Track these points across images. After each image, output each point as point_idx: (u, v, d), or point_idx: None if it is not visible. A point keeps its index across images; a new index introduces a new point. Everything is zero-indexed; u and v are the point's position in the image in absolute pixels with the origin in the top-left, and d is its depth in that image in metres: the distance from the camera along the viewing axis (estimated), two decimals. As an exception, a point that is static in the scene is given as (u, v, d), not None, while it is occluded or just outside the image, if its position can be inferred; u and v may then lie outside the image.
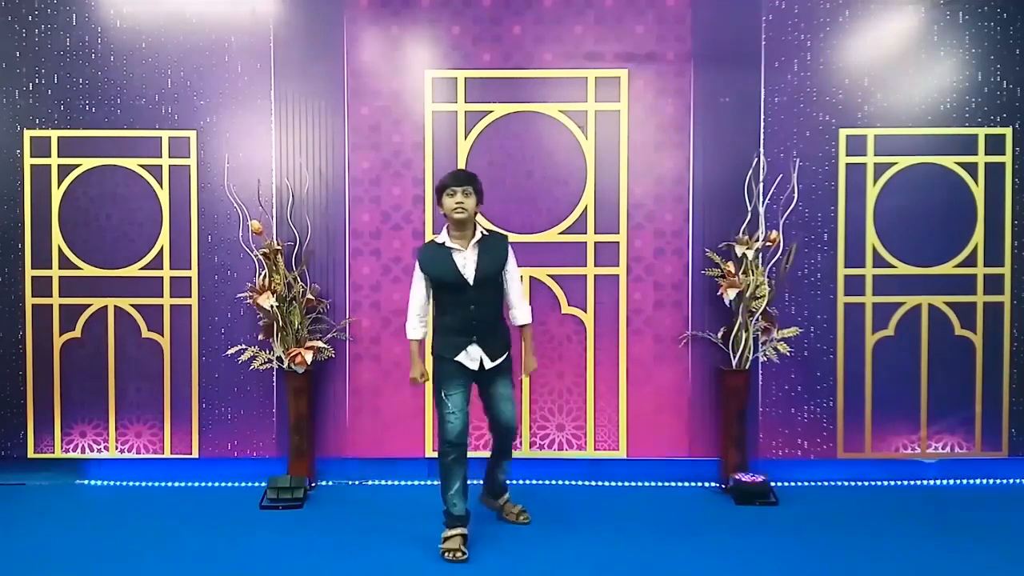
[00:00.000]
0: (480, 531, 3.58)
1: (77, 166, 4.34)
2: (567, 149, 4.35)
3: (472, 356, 3.38)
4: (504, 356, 3.45)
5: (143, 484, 4.36)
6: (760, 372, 4.37)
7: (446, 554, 3.29)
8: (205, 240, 4.37)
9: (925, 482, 4.39)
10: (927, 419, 4.39)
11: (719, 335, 4.29)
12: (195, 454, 4.39)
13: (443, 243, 3.39)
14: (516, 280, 3.51)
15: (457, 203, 3.30)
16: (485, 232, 3.43)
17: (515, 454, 3.86)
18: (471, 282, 3.33)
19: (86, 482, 4.40)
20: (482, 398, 3.53)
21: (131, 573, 3.19)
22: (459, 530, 3.38)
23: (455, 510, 3.39)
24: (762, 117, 4.34)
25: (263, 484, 4.16)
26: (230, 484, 4.33)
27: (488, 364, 3.40)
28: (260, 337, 4.28)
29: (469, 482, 3.46)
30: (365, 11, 4.34)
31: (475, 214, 3.39)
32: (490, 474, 3.72)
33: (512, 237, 4.21)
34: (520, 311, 3.53)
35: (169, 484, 4.34)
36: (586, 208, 4.35)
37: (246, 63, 4.34)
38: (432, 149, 4.35)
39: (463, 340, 3.36)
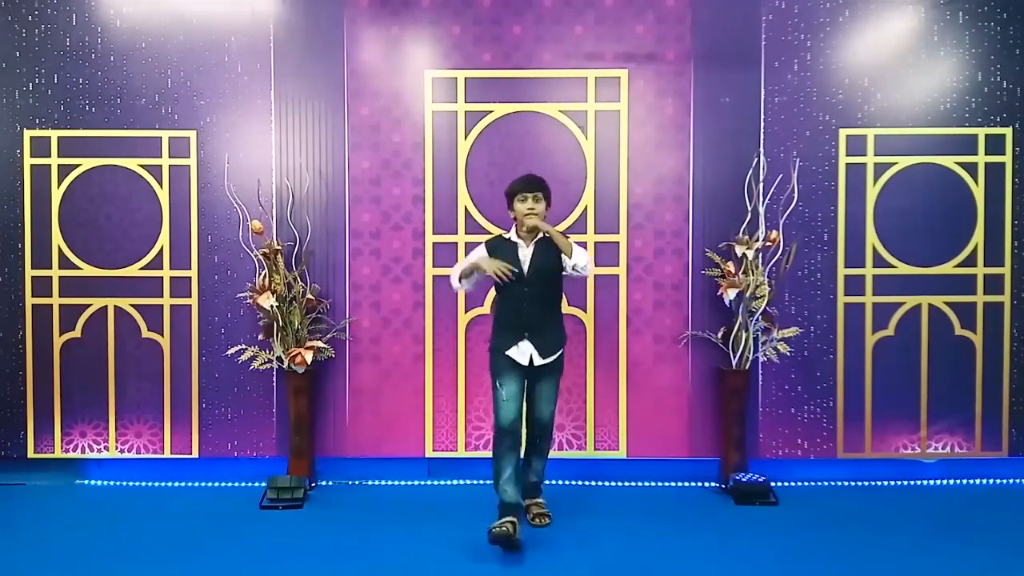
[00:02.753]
0: (478, 530, 3.58)
1: (77, 166, 4.34)
2: (567, 149, 4.35)
3: (523, 351, 3.50)
4: (555, 356, 3.55)
5: (143, 484, 4.35)
6: (760, 372, 4.37)
7: (494, 529, 3.28)
8: (205, 240, 4.37)
9: (925, 482, 4.39)
10: (927, 419, 4.39)
11: (719, 335, 4.29)
12: (195, 454, 4.39)
13: (510, 238, 3.59)
14: (580, 250, 3.50)
15: (529, 209, 3.47)
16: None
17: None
18: (525, 274, 3.48)
19: (86, 482, 4.40)
20: (528, 394, 3.61)
21: (131, 573, 3.19)
22: (510, 518, 3.38)
23: (506, 496, 3.46)
24: (762, 117, 4.34)
25: (263, 484, 4.16)
26: (230, 484, 4.33)
27: (538, 360, 3.50)
28: (260, 337, 4.28)
29: None
30: (365, 11, 4.34)
31: (544, 218, 3.54)
32: (524, 473, 3.73)
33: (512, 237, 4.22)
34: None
35: (169, 484, 4.34)
36: (586, 208, 4.35)
37: (246, 63, 4.34)
38: (432, 149, 4.35)
39: (515, 335, 3.49)
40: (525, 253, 3.53)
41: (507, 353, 3.51)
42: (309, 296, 4.24)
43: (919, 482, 4.38)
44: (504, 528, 3.28)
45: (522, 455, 3.73)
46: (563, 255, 3.46)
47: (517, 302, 3.50)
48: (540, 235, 3.52)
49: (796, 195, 4.25)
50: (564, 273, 3.54)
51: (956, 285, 4.39)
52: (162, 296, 4.38)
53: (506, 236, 3.62)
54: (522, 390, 3.55)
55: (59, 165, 4.34)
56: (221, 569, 3.22)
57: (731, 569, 3.22)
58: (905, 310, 4.39)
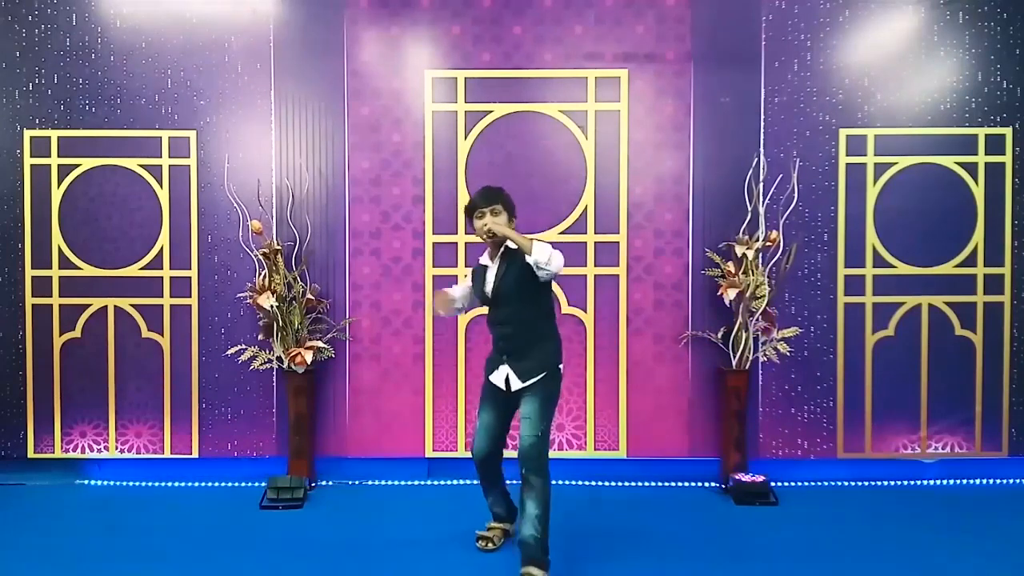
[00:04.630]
0: (478, 530, 3.59)
1: (77, 166, 4.34)
2: (567, 149, 4.35)
3: (502, 374, 3.24)
4: (536, 379, 3.16)
5: (143, 484, 4.36)
6: (760, 372, 4.37)
7: (479, 541, 3.44)
8: (205, 240, 4.37)
9: (925, 482, 4.39)
10: (927, 419, 4.39)
11: (719, 335, 4.29)
12: (195, 454, 4.39)
13: (482, 260, 3.32)
14: (540, 245, 2.97)
15: (483, 226, 3.12)
16: (512, 246, 3.13)
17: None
18: (490, 297, 3.22)
19: (86, 482, 4.40)
20: (513, 420, 3.37)
21: (131, 573, 3.19)
22: (501, 525, 3.50)
23: (494, 511, 3.53)
24: (762, 117, 4.34)
25: (263, 484, 4.16)
26: (230, 484, 4.33)
27: (516, 384, 3.18)
28: (260, 337, 4.28)
29: None
30: (365, 11, 4.34)
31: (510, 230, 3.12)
32: (518, 520, 3.27)
33: (512, 237, 4.21)
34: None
35: (169, 484, 4.34)
36: (586, 208, 4.35)
37: (246, 63, 4.34)
38: (432, 149, 4.35)
39: (497, 358, 3.27)
40: (491, 273, 3.21)
41: (489, 378, 3.29)
42: (309, 296, 4.24)
43: (919, 482, 4.38)
44: (486, 543, 3.42)
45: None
46: (526, 256, 2.99)
47: (493, 325, 3.26)
48: (504, 248, 3.16)
49: (796, 195, 4.25)
50: (541, 278, 3.03)
51: (956, 285, 4.39)
52: (162, 296, 4.38)
53: (481, 261, 3.32)
54: (499, 421, 3.31)
55: (59, 165, 4.34)
56: (221, 569, 3.22)
57: (731, 569, 3.22)
58: (905, 310, 4.39)
